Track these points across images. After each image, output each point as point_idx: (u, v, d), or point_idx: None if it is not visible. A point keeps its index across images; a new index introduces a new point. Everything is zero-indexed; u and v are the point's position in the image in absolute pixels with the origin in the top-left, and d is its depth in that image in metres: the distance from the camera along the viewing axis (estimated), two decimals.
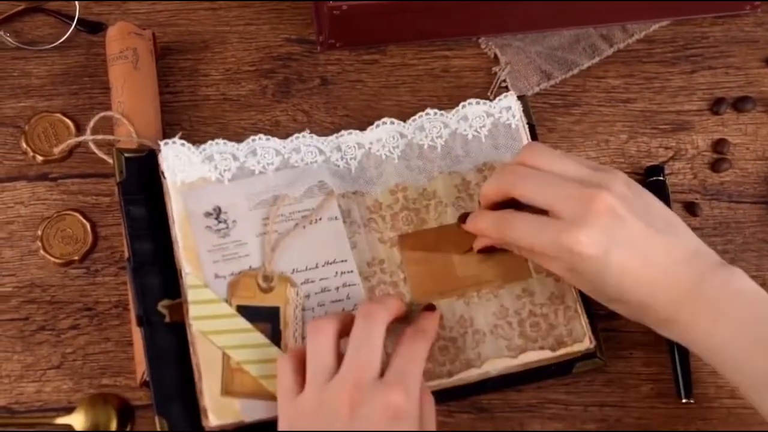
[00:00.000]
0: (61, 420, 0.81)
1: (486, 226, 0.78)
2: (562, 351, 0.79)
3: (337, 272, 0.80)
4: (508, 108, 0.86)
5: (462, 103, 0.86)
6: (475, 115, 0.86)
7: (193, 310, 0.76)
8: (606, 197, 0.71)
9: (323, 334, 0.71)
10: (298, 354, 0.72)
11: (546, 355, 0.79)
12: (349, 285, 0.80)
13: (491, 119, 0.86)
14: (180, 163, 0.81)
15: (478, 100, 0.87)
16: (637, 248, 0.72)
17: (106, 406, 0.81)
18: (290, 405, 0.70)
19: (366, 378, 0.68)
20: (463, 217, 0.80)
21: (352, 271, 0.80)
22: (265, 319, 0.77)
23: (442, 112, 0.86)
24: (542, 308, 0.80)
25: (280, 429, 0.70)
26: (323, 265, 0.80)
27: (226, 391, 0.75)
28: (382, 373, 0.69)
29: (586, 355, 0.81)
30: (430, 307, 0.79)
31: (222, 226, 0.80)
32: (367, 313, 0.71)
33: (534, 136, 0.86)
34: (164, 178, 0.80)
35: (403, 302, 0.78)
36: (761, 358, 0.70)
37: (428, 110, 0.86)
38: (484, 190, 0.78)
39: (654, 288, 0.72)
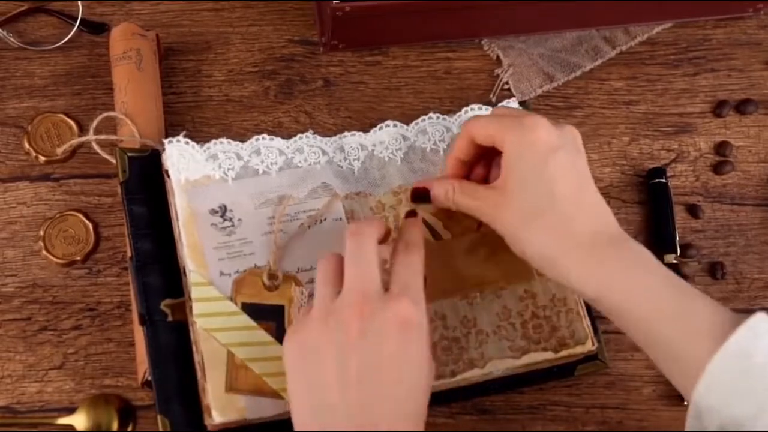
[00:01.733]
0: (63, 420, 0.81)
1: (456, 147, 0.79)
2: (564, 353, 0.79)
3: None
4: None
5: (465, 108, 0.87)
6: None
7: (196, 308, 0.76)
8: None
9: (329, 263, 0.72)
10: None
11: (548, 356, 0.79)
12: None
13: None
14: (184, 161, 0.81)
15: (480, 105, 0.87)
16: (578, 171, 0.73)
17: (108, 407, 0.81)
18: (299, 321, 0.70)
19: (371, 290, 0.68)
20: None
21: None
22: (270, 318, 0.77)
23: (445, 116, 0.86)
24: (545, 310, 0.80)
25: (287, 348, 0.70)
26: None
27: (231, 387, 0.75)
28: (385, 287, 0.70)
29: (588, 357, 0.81)
30: (411, 213, 0.79)
31: (227, 224, 0.80)
32: (355, 231, 0.72)
33: None
34: (168, 176, 0.80)
35: (386, 223, 0.79)
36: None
37: (431, 114, 0.86)
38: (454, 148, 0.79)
39: (578, 212, 0.72)
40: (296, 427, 0.68)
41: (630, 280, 0.69)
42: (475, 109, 0.87)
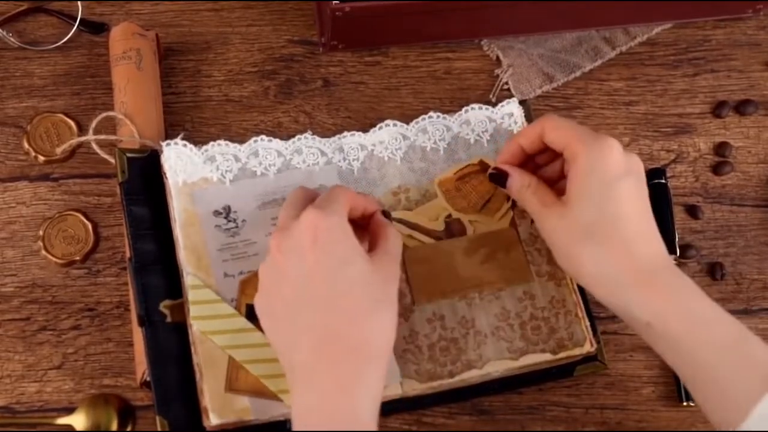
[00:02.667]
0: (62, 420, 0.81)
1: (524, 135, 0.80)
2: (563, 354, 0.79)
3: None
4: (510, 114, 0.87)
5: (465, 108, 0.87)
6: (477, 120, 0.86)
7: (193, 310, 0.76)
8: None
9: (299, 191, 0.75)
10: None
11: (547, 357, 0.79)
12: None
13: (493, 125, 0.86)
14: (182, 163, 0.81)
15: (480, 105, 0.87)
16: (642, 199, 0.75)
17: (107, 407, 0.81)
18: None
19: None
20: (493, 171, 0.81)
21: None
22: None
23: (445, 115, 0.86)
24: (543, 312, 0.80)
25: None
26: None
27: (230, 387, 0.75)
28: None
29: (587, 358, 0.81)
30: (385, 214, 0.80)
31: (231, 225, 0.80)
32: (330, 189, 0.74)
33: None
34: (166, 178, 0.80)
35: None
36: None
37: (431, 113, 0.86)
38: (511, 145, 0.81)
39: (638, 238, 0.73)
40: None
41: (687, 308, 0.71)
42: (476, 108, 0.87)
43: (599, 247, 0.73)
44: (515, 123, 0.86)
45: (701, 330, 0.70)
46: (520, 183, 0.79)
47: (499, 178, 0.80)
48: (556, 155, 0.80)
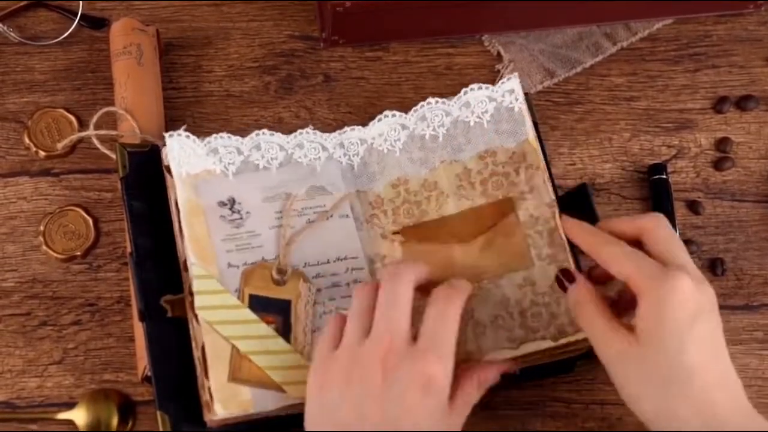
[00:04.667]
0: (63, 415, 0.81)
1: (586, 237, 0.76)
2: (563, 341, 0.77)
3: (347, 268, 0.80)
4: (510, 91, 0.85)
5: (464, 89, 0.85)
6: (477, 101, 0.85)
7: (198, 300, 0.76)
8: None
9: (363, 298, 0.71)
10: (345, 315, 0.72)
11: (547, 344, 0.78)
12: (359, 281, 0.80)
13: (493, 104, 0.85)
14: (185, 154, 0.80)
15: (480, 84, 0.85)
16: (715, 341, 0.70)
17: (108, 402, 0.81)
18: (325, 357, 0.70)
19: (398, 341, 0.68)
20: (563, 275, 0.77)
21: (362, 268, 0.81)
22: (277, 312, 0.77)
23: (444, 99, 0.85)
24: (544, 297, 0.80)
25: (311, 379, 0.70)
26: (334, 261, 0.80)
27: (233, 377, 0.74)
28: (414, 336, 0.69)
29: (587, 353, 0.80)
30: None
31: (236, 216, 0.80)
32: (393, 274, 0.71)
33: (537, 135, 0.85)
34: (168, 172, 0.80)
35: (429, 269, 0.76)
36: None
37: (429, 99, 0.85)
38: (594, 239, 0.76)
39: (713, 385, 0.69)
40: None
41: None
42: (475, 89, 0.85)
43: (669, 398, 0.69)
44: (516, 100, 0.84)
45: None
46: (582, 293, 0.74)
47: (562, 281, 0.76)
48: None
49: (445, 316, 0.70)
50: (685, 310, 0.68)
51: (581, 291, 0.74)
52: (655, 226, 0.73)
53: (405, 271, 0.71)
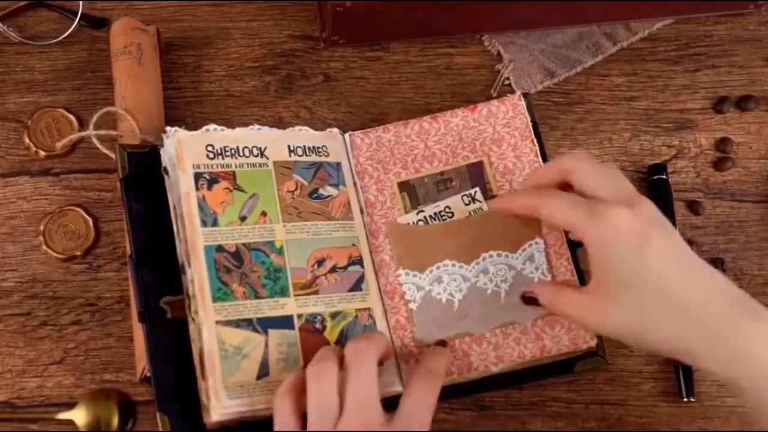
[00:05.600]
0: (63, 415, 0.81)
1: (520, 200, 0.76)
2: (565, 349, 0.79)
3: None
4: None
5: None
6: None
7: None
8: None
9: (325, 380, 0.69)
10: (294, 391, 0.70)
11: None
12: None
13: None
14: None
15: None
16: (677, 251, 0.69)
17: (108, 402, 0.81)
18: None
19: (372, 420, 0.67)
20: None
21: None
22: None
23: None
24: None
25: None
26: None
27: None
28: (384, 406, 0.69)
29: (587, 354, 0.81)
30: (441, 343, 0.78)
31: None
32: (356, 355, 0.70)
33: (537, 134, 0.85)
34: (166, 174, 0.80)
35: (386, 340, 0.77)
36: None
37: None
38: (518, 196, 0.77)
39: (695, 294, 0.68)
40: None
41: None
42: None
43: (659, 329, 0.68)
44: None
45: None
46: (546, 297, 0.76)
47: (532, 300, 0.78)
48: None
49: (424, 398, 0.70)
50: (630, 238, 0.68)
51: (545, 295, 0.76)
52: (576, 166, 0.73)
53: (367, 349, 0.71)
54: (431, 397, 0.70)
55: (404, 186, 0.82)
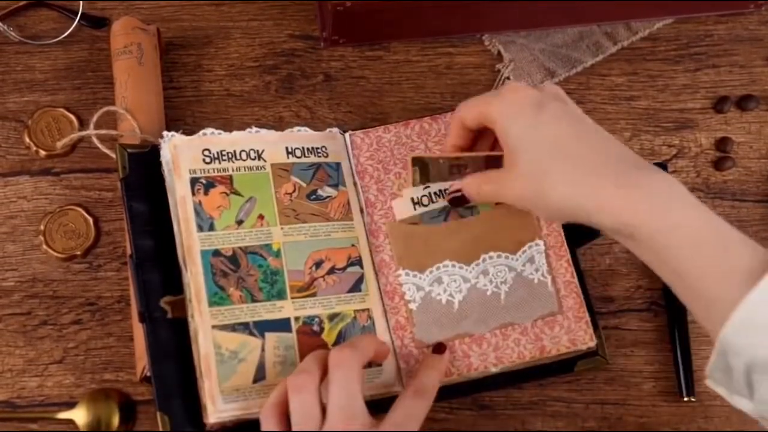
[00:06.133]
0: (63, 415, 0.81)
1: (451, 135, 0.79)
2: (564, 349, 0.79)
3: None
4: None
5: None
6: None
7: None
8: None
9: (305, 391, 0.69)
10: (279, 404, 0.70)
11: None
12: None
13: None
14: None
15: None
16: (572, 113, 0.74)
17: (108, 401, 0.81)
18: None
19: (355, 425, 0.67)
20: None
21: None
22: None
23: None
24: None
25: None
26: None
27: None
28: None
29: (587, 353, 0.81)
30: (440, 348, 0.78)
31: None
32: (338, 363, 0.70)
33: None
34: (164, 172, 0.80)
35: (379, 340, 0.77)
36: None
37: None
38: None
39: (588, 149, 0.71)
40: None
41: (663, 209, 0.67)
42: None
43: (555, 184, 0.70)
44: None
45: (679, 233, 0.66)
46: (470, 188, 0.78)
47: (458, 199, 0.79)
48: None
49: (416, 410, 0.71)
50: (529, 103, 0.73)
51: (472, 188, 0.78)
52: (462, 105, 0.77)
53: (350, 358, 0.70)
54: (420, 413, 0.71)
55: (418, 161, 0.81)
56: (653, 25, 0.96)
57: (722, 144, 0.92)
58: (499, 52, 0.95)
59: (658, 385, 0.85)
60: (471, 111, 0.76)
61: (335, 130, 0.85)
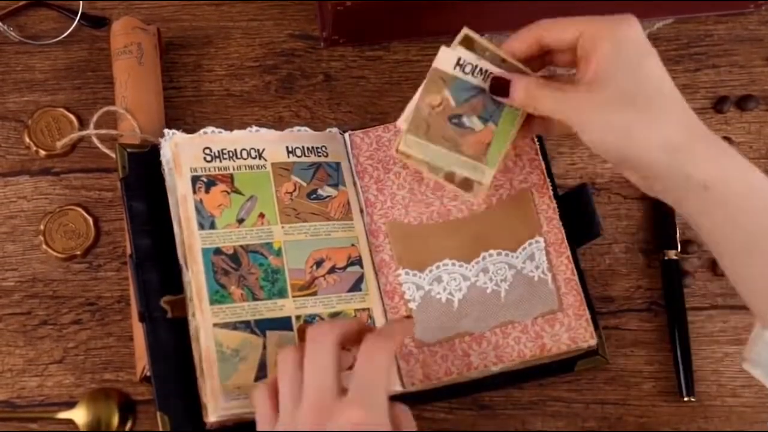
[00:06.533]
0: (63, 414, 0.81)
1: (522, 38, 0.78)
2: (564, 348, 0.79)
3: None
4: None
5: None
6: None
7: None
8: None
9: (289, 363, 0.69)
10: (272, 383, 0.70)
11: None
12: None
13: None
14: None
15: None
16: (668, 74, 0.73)
17: (108, 401, 0.81)
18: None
19: (325, 400, 0.66)
20: None
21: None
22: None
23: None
24: None
25: None
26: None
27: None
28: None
29: (588, 353, 0.81)
30: (408, 317, 0.79)
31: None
32: (313, 338, 0.69)
33: (538, 135, 0.85)
34: (165, 170, 0.80)
35: (359, 321, 0.77)
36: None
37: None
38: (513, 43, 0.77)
39: (681, 105, 0.71)
40: None
41: (746, 170, 0.69)
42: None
43: (644, 114, 0.69)
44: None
45: (761, 194, 0.68)
46: (522, 83, 0.75)
47: (501, 87, 0.75)
48: (543, 64, 0.77)
49: (373, 365, 0.68)
50: (641, 45, 0.72)
51: (523, 83, 0.75)
52: (546, 20, 0.76)
53: (326, 333, 0.69)
54: (383, 360, 0.68)
55: (468, 39, 0.78)
56: (653, 25, 0.96)
57: None
58: None
59: (658, 385, 0.85)
60: (565, 27, 0.74)
61: (335, 129, 0.85)
